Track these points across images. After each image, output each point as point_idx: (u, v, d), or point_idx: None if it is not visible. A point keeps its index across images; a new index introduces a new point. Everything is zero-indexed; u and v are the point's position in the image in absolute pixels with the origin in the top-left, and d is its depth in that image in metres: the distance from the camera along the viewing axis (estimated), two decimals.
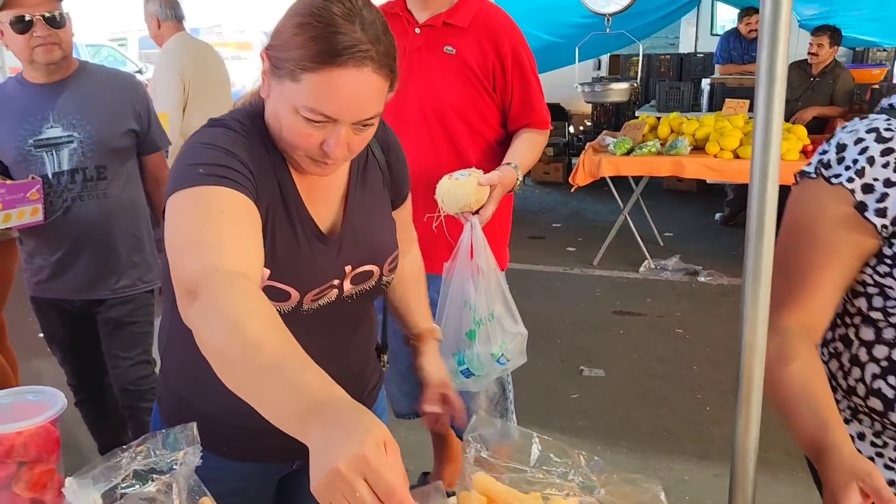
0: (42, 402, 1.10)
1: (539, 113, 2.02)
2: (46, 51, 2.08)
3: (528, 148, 1.99)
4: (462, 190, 1.73)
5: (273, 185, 1.13)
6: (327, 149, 1.06)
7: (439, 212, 1.80)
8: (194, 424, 1.04)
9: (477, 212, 1.76)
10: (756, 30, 6.14)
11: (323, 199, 1.20)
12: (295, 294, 1.14)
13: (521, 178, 1.90)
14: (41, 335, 2.53)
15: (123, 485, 1.01)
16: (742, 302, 1.02)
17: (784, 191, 1.00)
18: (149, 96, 2.41)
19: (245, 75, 9.81)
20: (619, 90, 5.65)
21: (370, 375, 1.39)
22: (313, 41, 1.00)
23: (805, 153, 4.44)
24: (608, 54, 8.26)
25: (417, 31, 1.95)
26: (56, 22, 2.08)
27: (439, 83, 1.94)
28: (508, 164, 1.90)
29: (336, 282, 1.20)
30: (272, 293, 1.11)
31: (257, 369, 0.84)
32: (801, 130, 4.62)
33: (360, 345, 1.34)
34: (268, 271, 1.10)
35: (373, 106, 1.06)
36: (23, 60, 2.14)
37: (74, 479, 0.98)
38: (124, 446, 1.04)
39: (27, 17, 2.03)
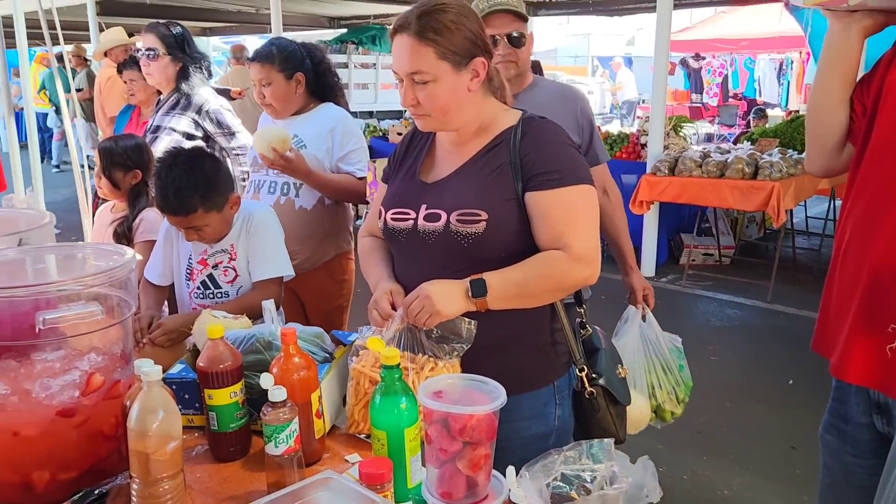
0: (486, 392, 1.22)
1: None
2: (504, 67, 2.17)
3: None
4: None
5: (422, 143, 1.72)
6: (402, 100, 1.55)
7: None
8: (611, 441, 1.09)
9: None
10: None
11: (446, 159, 1.64)
12: (383, 212, 1.66)
13: None
14: None
15: (553, 483, 1.08)
16: None
17: None
18: (590, 111, 2.43)
19: None
20: None
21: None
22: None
23: None
24: None
25: None
26: (517, 41, 2.20)
27: None
28: None
29: (411, 213, 1.60)
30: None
31: None
32: None
33: None
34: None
35: (414, 62, 1.49)
36: None
37: (527, 470, 1.06)
38: (558, 449, 1.11)
39: (494, 36, 2.13)
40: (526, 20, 2.24)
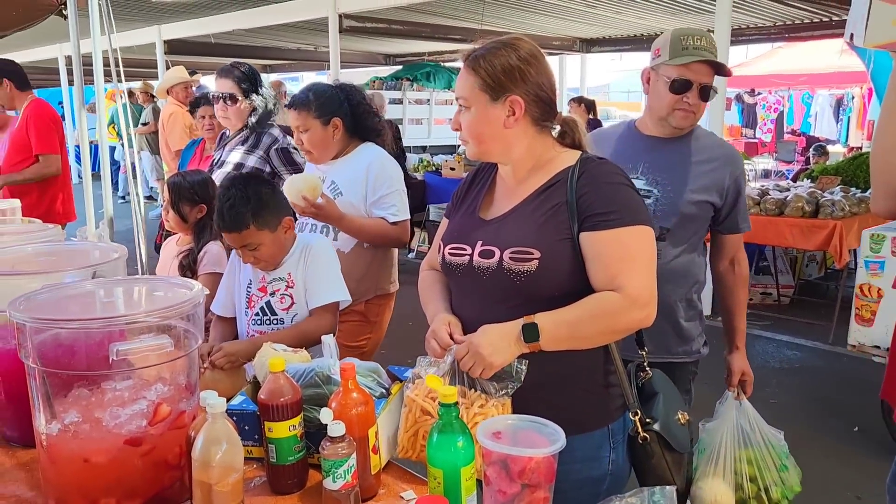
0: (545, 434, 1.22)
1: None
2: (683, 116, 2.16)
3: None
4: None
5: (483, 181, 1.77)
6: (452, 123, 1.68)
7: None
8: (674, 489, 1.07)
9: None
10: None
11: (504, 197, 1.67)
12: (442, 246, 1.70)
13: None
14: None
15: None
16: None
17: None
18: (743, 177, 2.28)
19: None
20: None
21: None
22: None
23: None
24: None
25: None
26: (706, 94, 2.15)
27: None
28: None
29: (468, 249, 1.63)
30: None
31: None
32: None
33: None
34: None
35: (461, 88, 1.61)
36: (654, 113, 2.22)
37: None
38: (620, 496, 1.09)
39: (688, 81, 2.12)
40: (726, 75, 2.20)
